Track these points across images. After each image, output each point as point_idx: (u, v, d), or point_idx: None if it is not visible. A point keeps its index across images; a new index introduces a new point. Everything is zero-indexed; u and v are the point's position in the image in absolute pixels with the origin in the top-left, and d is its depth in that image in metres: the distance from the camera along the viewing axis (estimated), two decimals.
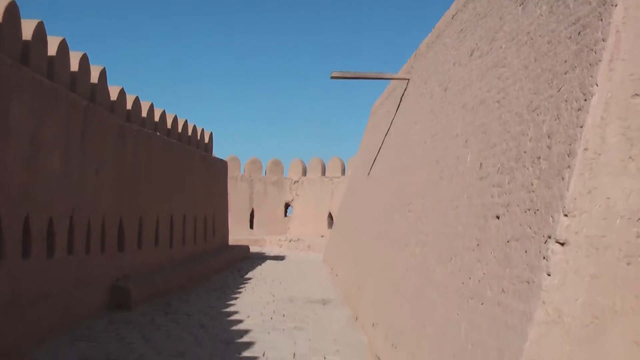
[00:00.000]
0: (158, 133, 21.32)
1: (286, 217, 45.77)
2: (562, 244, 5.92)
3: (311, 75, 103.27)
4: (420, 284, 10.36)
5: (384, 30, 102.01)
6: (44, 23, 13.37)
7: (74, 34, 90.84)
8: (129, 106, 19.23)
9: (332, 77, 19.30)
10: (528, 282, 6.22)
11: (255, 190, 44.28)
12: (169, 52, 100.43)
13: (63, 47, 14.22)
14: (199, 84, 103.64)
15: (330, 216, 42.64)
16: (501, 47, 9.79)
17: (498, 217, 7.58)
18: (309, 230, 43.40)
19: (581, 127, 6.07)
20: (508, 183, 7.59)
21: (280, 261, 32.99)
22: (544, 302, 5.88)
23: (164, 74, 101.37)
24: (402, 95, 20.01)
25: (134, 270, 18.44)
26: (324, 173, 44.78)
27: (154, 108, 21.60)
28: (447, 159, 11.13)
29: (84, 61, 15.43)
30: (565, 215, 5.94)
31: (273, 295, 19.91)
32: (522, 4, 9.30)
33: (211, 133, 30.25)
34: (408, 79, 19.45)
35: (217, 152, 40.69)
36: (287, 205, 45.81)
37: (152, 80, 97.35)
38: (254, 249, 39.58)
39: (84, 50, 15.50)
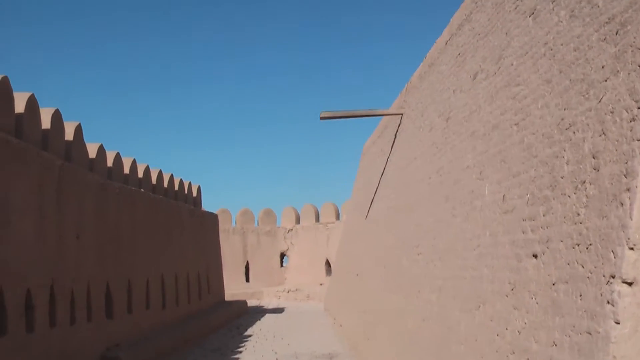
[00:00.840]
0: (142, 190, 20.21)
1: (282, 267, 44.46)
2: (631, 284, 4.84)
3: (296, 122, 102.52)
4: (442, 336, 9.23)
5: (370, 68, 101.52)
6: (10, 79, 12.35)
7: (46, 91, 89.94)
8: (109, 163, 18.14)
9: (321, 118, 18.35)
10: (589, 333, 5.12)
11: (249, 242, 43.00)
12: (151, 106, 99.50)
13: (32, 104, 13.17)
14: (183, 137, 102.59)
15: (327, 263, 41.38)
16: (512, 65, 8.78)
17: (536, 256, 6.49)
18: (307, 279, 42.09)
19: (639, 140, 5.01)
20: (544, 215, 6.51)
21: (280, 314, 31.68)
22: (614, 357, 4.78)
23: (146, 129, 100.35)
24: (397, 131, 19.02)
25: (125, 336, 17.19)
26: (318, 219, 43.59)
27: (137, 164, 20.52)
28: (459, 194, 10.07)
29: (57, 118, 14.37)
30: (631, 249, 4.86)
31: (276, 353, 18.68)
32: (533, 14, 8.31)
33: (199, 186, 29.15)
34: (402, 114, 18.51)
35: (206, 206, 39.60)
36: (282, 255, 44.52)
37: (134, 137, 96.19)
38: (251, 302, 38.27)
39: (60, 109, 14.47)
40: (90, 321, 15.10)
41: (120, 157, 18.89)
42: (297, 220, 44.45)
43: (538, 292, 6.23)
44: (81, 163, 15.60)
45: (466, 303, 8.41)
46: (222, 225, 40.97)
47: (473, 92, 10.57)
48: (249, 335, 23.18)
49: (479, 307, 7.86)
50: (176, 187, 24.98)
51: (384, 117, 22.78)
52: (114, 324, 16.59)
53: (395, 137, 19.25)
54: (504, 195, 7.86)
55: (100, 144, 17.42)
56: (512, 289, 6.91)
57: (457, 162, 10.63)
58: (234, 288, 40.03)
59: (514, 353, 6.52)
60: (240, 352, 19.26)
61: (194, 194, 28.28)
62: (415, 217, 13.26)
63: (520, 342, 6.42)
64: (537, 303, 6.21)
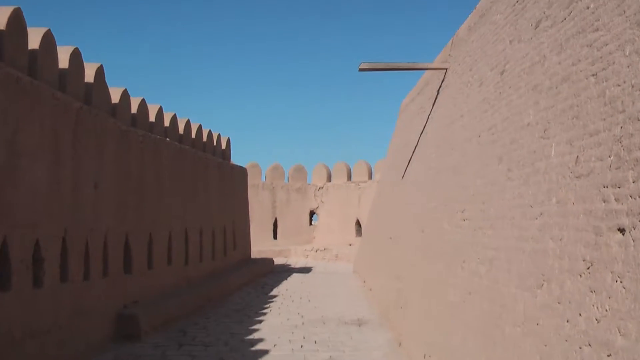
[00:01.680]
0: (168, 139, 19.21)
1: (311, 226, 43.52)
2: None
3: (332, 78, 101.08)
4: (492, 315, 8.14)
5: (412, 23, 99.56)
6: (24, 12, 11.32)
7: (77, 38, 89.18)
8: (134, 109, 17.15)
9: (360, 69, 17.24)
10: None
11: (278, 198, 42.05)
12: (185, 57, 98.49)
13: (48, 40, 12.14)
14: (215, 89, 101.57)
15: (358, 223, 40.36)
16: (588, 8, 7.57)
17: (622, 231, 5.36)
18: (336, 238, 41.13)
19: None
20: (634, 182, 5.37)
21: (306, 274, 30.78)
22: None
23: (180, 80, 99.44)
24: (439, 87, 17.83)
25: (144, 294, 16.31)
26: (349, 178, 42.47)
27: (164, 112, 19.51)
28: (516, 154, 8.92)
29: (76, 57, 13.35)
30: None
31: (302, 317, 17.74)
32: None
33: (229, 138, 28.10)
34: (446, 69, 17.31)
35: (236, 159, 38.74)
36: (312, 213, 43.55)
37: (167, 88, 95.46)
38: (278, 260, 37.43)
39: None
40: (107, 276, 14.25)
41: (145, 103, 17.90)
42: (329, 178, 43.41)
43: (625, 274, 5.12)
44: (102, 107, 14.63)
45: (525, 280, 7.30)
46: (251, 180, 40.04)
47: (535, 42, 9.38)
48: (275, 296, 22.28)
49: (542, 285, 6.76)
50: (204, 138, 23.99)
51: (425, 73, 21.63)
52: (133, 280, 15.72)
53: (437, 94, 18.07)
54: (577, 157, 6.72)
55: (124, 88, 16.44)
56: (589, 268, 5.80)
57: (514, 119, 9.48)
58: (261, 245, 39.23)
59: (589, 345, 5.43)
60: (265, 313, 18.35)
61: (223, 146, 27.28)
62: (460, 179, 12.13)
63: (599, 332, 5.33)
64: (623, 288, 5.11)
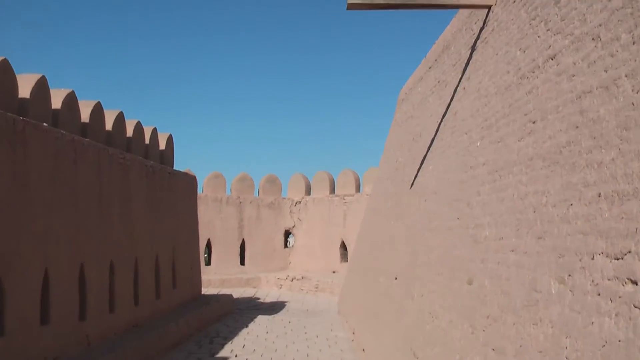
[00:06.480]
0: (50, 126, 12.38)
1: (286, 249, 36.50)
2: None
3: (309, 73, 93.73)
4: None
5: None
6: None
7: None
8: None
9: (349, 7, 10.78)
10: None
11: (246, 216, 34.95)
12: (143, 56, 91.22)
13: None
14: (172, 88, 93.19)
15: (343, 246, 33.43)
16: None
17: None
18: (317, 264, 34.17)
19: None
20: None
21: (277, 314, 23.60)
22: None
23: (135, 83, 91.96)
24: (476, 39, 11.34)
25: None
26: (333, 191, 35.44)
27: (49, 88, 12.76)
28: None
29: None
30: None
31: None
32: None
33: (170, 136, 20.94)
34: (489, 7, 10.85)
35: (197, 169, 31.90)
36: (287, 233, 36.58)
37: (122, 92, 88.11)
38: (245, 292, 30.56)
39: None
40: None
41: (11, 71, 11.24)
42: (308, 191, 36.48)
43: None
44: None
45: None
46: (213, 193, 33.71)
47: None
48: (224, 359, 15.36)
49: None
50: (129, 133, 17.12)
51: (441, 36, 15.28)
52: None
53: (472, 51, 11.52)
54: None
55: None
56: None
57: None
58: (225, 272, 32.74)
59: None
60: None
61: (162, 146, 20.28)
62: (572, 174, 5.41)
63: None
64: None
